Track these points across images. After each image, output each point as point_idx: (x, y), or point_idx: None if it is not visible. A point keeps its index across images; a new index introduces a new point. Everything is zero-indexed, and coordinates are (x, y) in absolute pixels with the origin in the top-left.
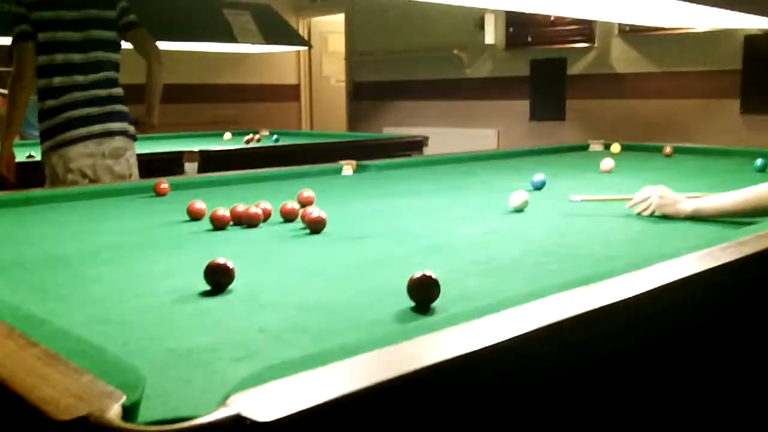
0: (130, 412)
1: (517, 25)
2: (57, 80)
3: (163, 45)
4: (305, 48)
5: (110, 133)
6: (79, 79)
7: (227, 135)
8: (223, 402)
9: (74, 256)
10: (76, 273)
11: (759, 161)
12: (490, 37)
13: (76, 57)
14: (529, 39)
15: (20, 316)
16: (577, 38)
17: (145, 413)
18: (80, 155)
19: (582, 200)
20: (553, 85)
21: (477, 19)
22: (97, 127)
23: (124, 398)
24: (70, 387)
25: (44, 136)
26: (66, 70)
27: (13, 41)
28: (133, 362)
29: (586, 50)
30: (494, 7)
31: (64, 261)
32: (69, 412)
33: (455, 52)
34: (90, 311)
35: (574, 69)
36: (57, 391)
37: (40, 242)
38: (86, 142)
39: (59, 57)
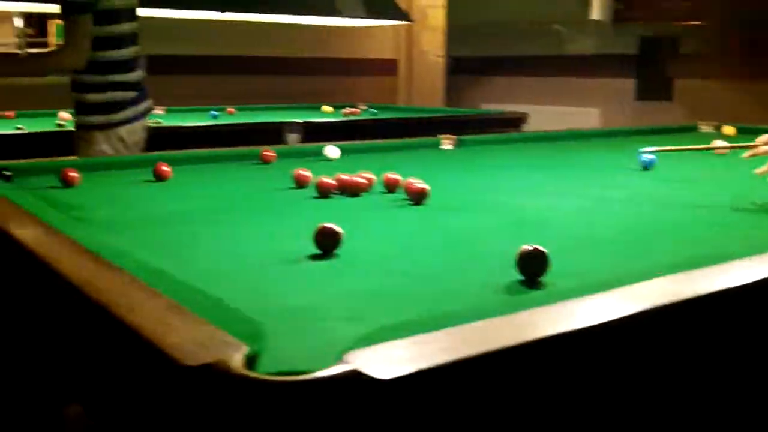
0: (250, 362)
1: (626, 1)
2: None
3: (265, 18)
4: (407, 23)
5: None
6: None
7: (326, 108)
8: (340, 358)
9: (188, 216)
10: (189, 232)
11: None
12: (596, 12)
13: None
14: (638, 14)
15: (144, 268)
16: (691, 15)
17: (263, 365)
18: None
19: (655, 151)
20: (662, 64)
21: None
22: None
23: (246, 348)
24: (195, 336)
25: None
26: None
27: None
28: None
29: (699, 28)
30: None
31: (178, 221)
32: (196, 358)
33: (556, 27)
34: (204, 267)
35: (686, 48)
36: (183, 338)
37: (156, 203)
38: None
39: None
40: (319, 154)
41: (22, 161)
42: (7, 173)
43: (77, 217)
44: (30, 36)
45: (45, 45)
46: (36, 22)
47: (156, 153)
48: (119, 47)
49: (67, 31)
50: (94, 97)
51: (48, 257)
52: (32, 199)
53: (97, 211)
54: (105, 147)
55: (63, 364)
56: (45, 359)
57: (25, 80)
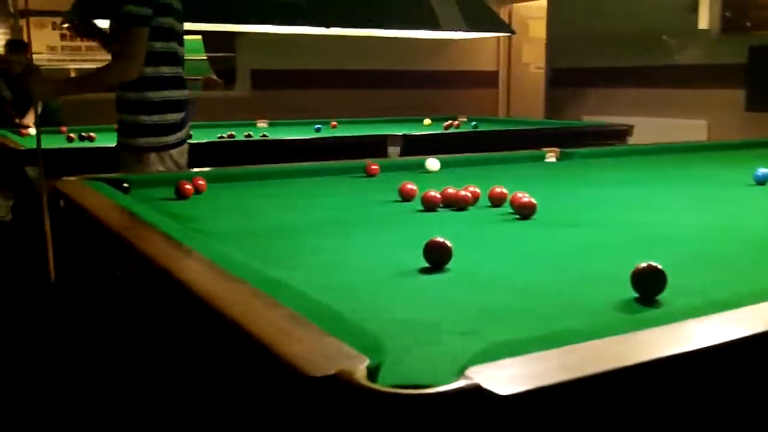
0: (372, 375)
1: (735, 8)
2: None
3: (368, 32)
4: (508, 34)
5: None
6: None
7: (427, 120)
8: (461, 373)
9: (298, 227)
10: (301, 243)
11: None
12: (704, 21)
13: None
14: (748, 24)
15: (261, 279)
16: None
17: (383, 378)
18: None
19: None
20: None
21: (690, 1)
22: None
23: (367, 361)
24: (317, 346)
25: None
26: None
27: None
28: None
29: None
30: None
31: (289, 232)
32: (321, 369)
33: (664, 37)
34: (318, 279)
35: None
36: (305, 349)
37: (265, 215)
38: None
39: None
40: (421, 166)
41: (139, 174)
42: (125, 185)
43: (195, 228)
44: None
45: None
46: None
47: (267, 167)
48: (175, 64)
49: (126, 42)
50: (146, 118)
51: (173, 269)
52: (151, 211)
53: (213, 223)
54: (160, 167)
55: (186, 373)
56: (169, 369)
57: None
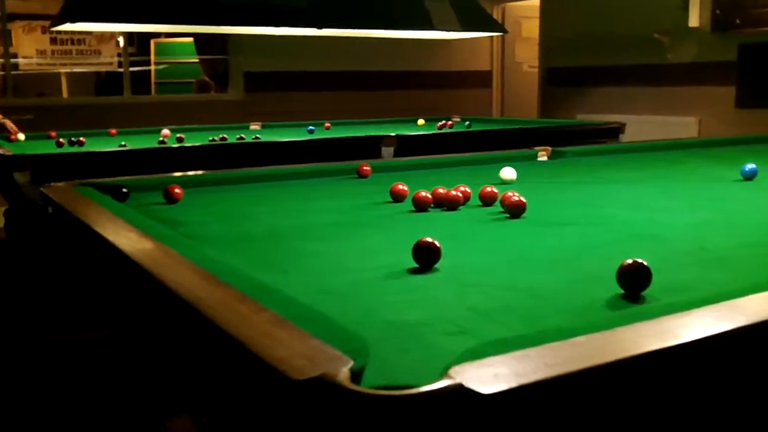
0: (356, 376)
1: (726, 7)
2: None
3: (362, 33)
4: (501, 34)
5: None
6: None
7: (420, 121)
8: (444, 373)
9: (289, 231)
10: (293, 247)
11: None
12: (694, 20)
13: None
14: (738, 21)
15: (250, 284)
16: None
17: (368, 379)
18: None
19: None
20: (764, 70)
21: (680, 0)
22: None
23: (351, 363)
24: (302, 349)
25: None
26: None
27: None
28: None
29: None
30: None
31: (281, 236)
32: (303, 372)
33: (655, 36)
34: (309, 283)
35: None
36: (290, 352)
37: (257, 219)
38: None
39: None
40: (414, 167)
41: (136, 177)
42: (125, 190)
43: (185, 233)
44: (132, 54)
45: (147, 63)
46: (137, 42)
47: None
48: None
49: None
50: None
51: (160, 274)
52: (141, 216)
53: (204, 228)
54: None
55: (171, 376)
56: (152, 372)
57: (127, 98)
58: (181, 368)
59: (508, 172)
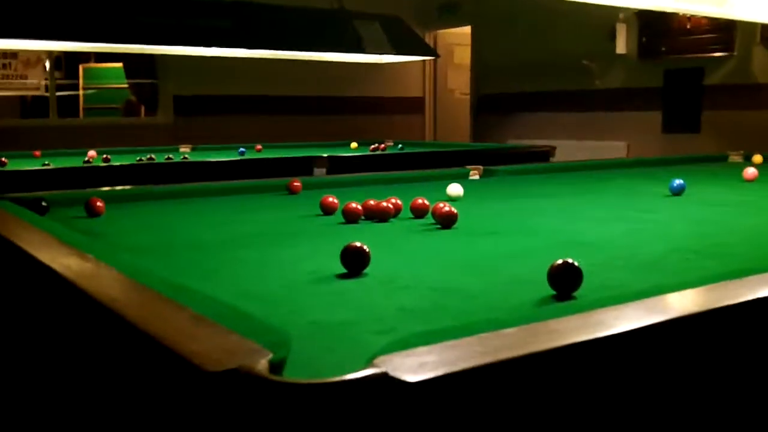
0: (276, 369)
1: (651, 35)
2: None
3: (294, 55)
4: (432, 58)
5: None
6: None
7: (353, 144)
8: (369, 363)
9: (216, 242)
10: (217, 256)
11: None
12: (621, 47)
13: None
14: (663, 49)
15: (170, 285)
16: (715, 47)
17: (290, 375)
18: None
19: None
20: (688, 96)
21: (608, 28)
22: None
23: (270, 355)
24: (220, 344)
25: None
26: None
27: None
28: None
29: (724, 59)
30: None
31: (205, 245)
32: (220, 364)
33: (584, 62)
34: (233, 288)
35: (711, 79)
36: (207, 347)
37: (183, 230)
38: None
39: None
40: (345, 184)
41: (56, 192)
42: (44, 204)
43: (109, 242)
44: (60, 79)
45: (75, 87)
46: (66, 66)
47: (187, 185)
48: None
49: None
50: None
51: (78, 282)
52: (61, 227)
53: (128, 238)
54: None
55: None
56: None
57: (53, 121)
58: (105, 371)
59: (455, 188)
